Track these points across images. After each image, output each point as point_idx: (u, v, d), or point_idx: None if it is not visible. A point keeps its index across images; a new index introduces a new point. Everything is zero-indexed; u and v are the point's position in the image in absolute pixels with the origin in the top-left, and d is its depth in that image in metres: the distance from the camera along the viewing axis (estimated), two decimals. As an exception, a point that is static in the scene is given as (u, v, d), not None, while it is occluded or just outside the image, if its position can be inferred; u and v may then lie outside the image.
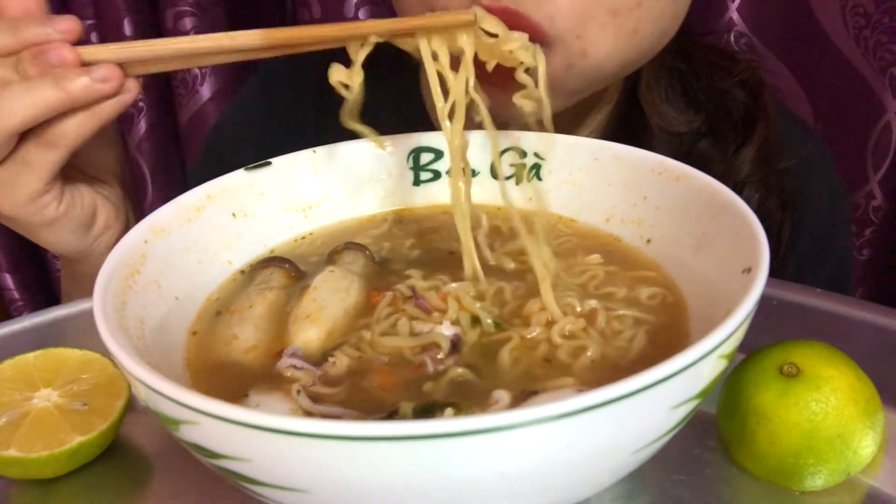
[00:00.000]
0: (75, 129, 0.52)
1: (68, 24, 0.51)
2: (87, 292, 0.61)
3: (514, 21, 0.53)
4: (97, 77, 0.50)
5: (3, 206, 0.56)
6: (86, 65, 0.51)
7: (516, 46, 0.52)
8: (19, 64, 0.51)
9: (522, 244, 0.50)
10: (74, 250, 0.63)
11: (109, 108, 0.52)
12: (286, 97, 0.86)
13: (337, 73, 0.50)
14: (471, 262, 0.49)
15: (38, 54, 0.51)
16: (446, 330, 0.43)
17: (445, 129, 0.50)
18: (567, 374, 0.40)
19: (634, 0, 0.55)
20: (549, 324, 0.43)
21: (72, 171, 0.59)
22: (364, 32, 0.49)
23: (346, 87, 0.50)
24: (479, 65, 0.51)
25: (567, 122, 0.74)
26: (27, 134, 0.53)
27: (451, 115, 0.50)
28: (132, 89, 0.52)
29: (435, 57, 0.50)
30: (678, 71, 0.75)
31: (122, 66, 0.51)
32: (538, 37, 0.54)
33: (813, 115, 1.11)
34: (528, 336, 0.43)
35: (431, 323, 0.43)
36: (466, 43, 0.50)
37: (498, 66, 0.52)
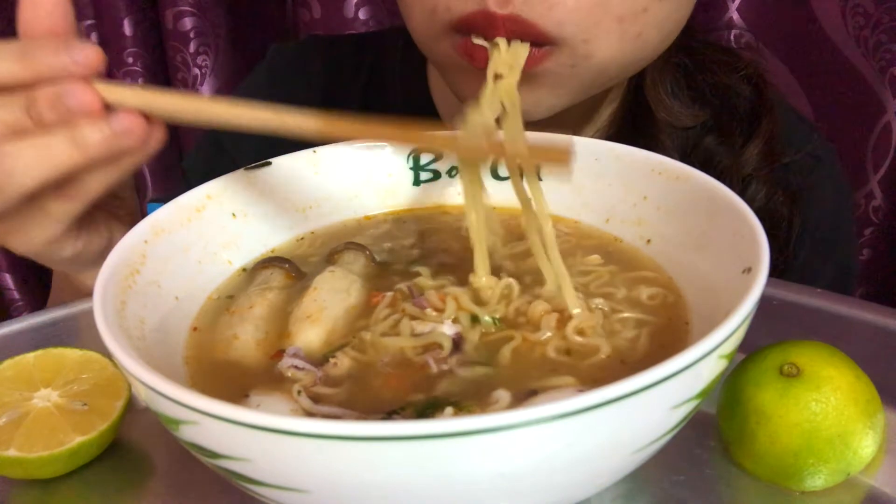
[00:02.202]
0: (97, 184, 0.48)
1: (88, 56, 0.43)
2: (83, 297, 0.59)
3: (520, 28, 0.53)
4: (118, 129, 0.44)
5: (18, 248, 0.52)
6: (108, 108, 0.44)
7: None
8: (32, 106, 0.44)
9: (526, 247, 0.50)
10: (89, 274, 0.59)
11: (133, 160, 0.47)
12: (291, 89, 0.86)
13: None
14: (483, 266, 0.47)
15: (54, 99, 0.43)
16: (447, 329, 0.42)
17: None
18: (567, 373, 0.39)
19: (640, 6, 0.55)
20: (561, 322, 0.43)
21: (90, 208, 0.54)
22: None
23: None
24: None
25: (573, 120, 0.74)
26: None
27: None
28: (158, 138, 0.46)
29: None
30: (682, 66, 0.75)
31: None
32: (544, 40, 0.54)
33: (813, 115, 1.11)
34: (531, 336, 0.42)
35: (432, 322, 0.43)
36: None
37: None
